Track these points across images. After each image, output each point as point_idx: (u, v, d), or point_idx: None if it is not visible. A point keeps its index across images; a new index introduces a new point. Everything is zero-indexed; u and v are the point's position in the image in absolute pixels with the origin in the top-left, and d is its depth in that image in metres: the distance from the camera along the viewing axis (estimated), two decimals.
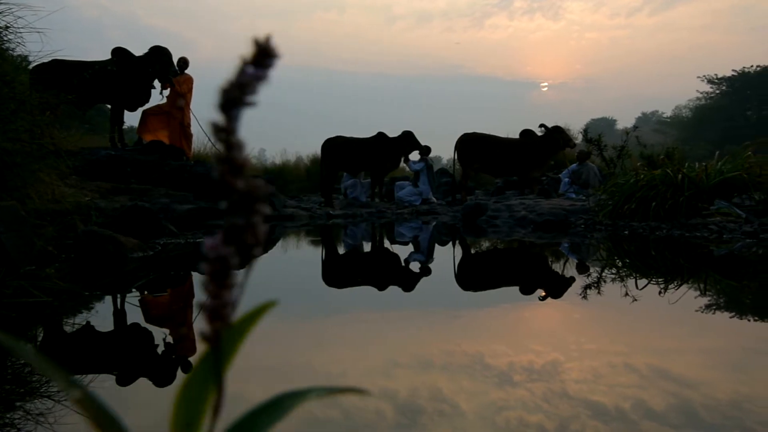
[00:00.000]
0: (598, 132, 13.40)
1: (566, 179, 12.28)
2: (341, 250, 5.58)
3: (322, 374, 1.70)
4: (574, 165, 12.29)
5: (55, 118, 5.81)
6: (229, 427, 0.41)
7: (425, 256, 4.90)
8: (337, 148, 11.84)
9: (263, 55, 0.35)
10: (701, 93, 41.54)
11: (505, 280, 3.71)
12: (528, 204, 8.96)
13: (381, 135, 11.88)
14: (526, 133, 11.91)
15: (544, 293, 3.04)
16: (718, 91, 40.38)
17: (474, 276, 3.93)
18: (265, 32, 0.35)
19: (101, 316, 2.52)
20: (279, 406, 0.41)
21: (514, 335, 2.23)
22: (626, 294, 2.93)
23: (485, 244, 5.88)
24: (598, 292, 3.01)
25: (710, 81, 40.24)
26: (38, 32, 5.03)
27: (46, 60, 7.74)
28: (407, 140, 11.82)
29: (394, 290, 3.20)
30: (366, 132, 12.12)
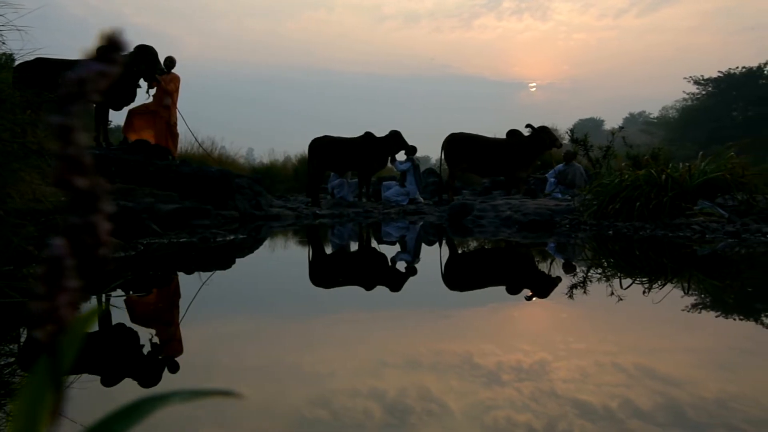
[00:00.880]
0: (585, 132, 13.46)
1: (552, 179, 12.32)
2: (328, 250, 5.57)
3: (310, 374, 1.69)
4: (560, 165, 12.34)
5: (37, 117, 5.76)
6: (85, 431, 0.40)
7: (412, 256, 4.90)
8: (324, 147, 11.82)
9: (110, 50, 0.33)
10: (688, 94, 41.80)
11: (490, 280, 3.71)
12: (513, 204, 8.99)
13: (368, 135, 11.87)
14: (513, 134, 11.96)
15: (530, 293, 3.06)
16: (704, 92, 40.63)
17: (460, 276, 3.94)
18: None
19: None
20: (138, 409, 0.40)
21: (502, 335, 2.24)
22: (612, 294, 2.95)
23: (471, 244, 5.89)
24: (584, 292, 3.03)
25: (696, 82, 40.48)
26: (19, 30, 4.98)
27: (30, 58, 7.67)
28: (394, 140, 11.82)
29: (381, 290, 3.20)
30: (354, 132, 12.13)
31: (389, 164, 12.57)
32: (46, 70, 8.70)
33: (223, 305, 2.84)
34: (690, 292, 3.11)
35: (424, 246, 5.81)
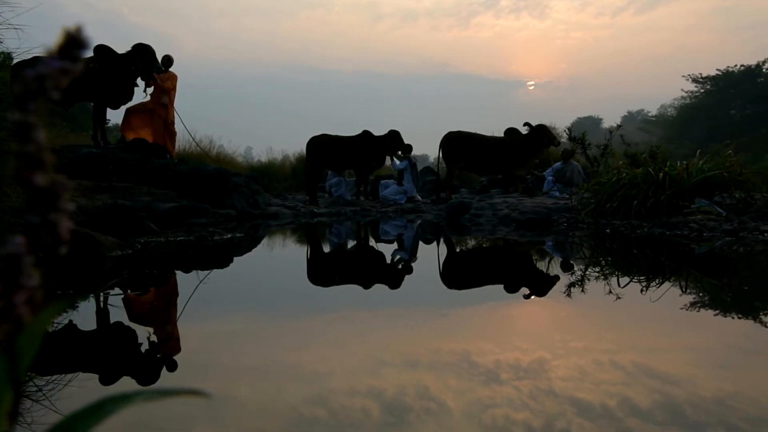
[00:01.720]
0: (583, 131, 13.46)
1: (550, 178, 12.32)
2: (325, 249, 5.57)
3: (308, 373, 1.69)
4: (558, 163, 12.34)
5: None
6: (48, 431, 0.39)
7: (410, 254, 4.90)
8: (322, 146, 11.81)
9: (71, 46, 0.33)
10: (686, 92, 41.84)
11: (487, 279, 3.71)
12: (511, 202, 8.99)
13: (366, 133, 11.86)
14: (511, 132, 11.95)
15: (528, 291, 3.06)
16: (702, 90, 40.67)
17: (457, 274, 3.94)
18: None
19: (71, 316, 2.49)
20: (101, 409, 0.40)
21: (500, 333, 2.24)
22: (610, 292, 2.95)
23: (468, 243, 5.89)
24: (582, 291, 3.03)
25: (695, 80, 40.52)
26: (16, 29, 4.97)
27: (28, 57, 7.66)
28: (393, 139, 11.81)
29: (379, 289, 3.20)
30: (352, 130, 12.11)
31: (388, 163, 12.57)
32: None
33: (220, 304, 2.83)
34: (687, 291, 3.11)
35: (420, 244, 5.81)
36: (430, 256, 4.85)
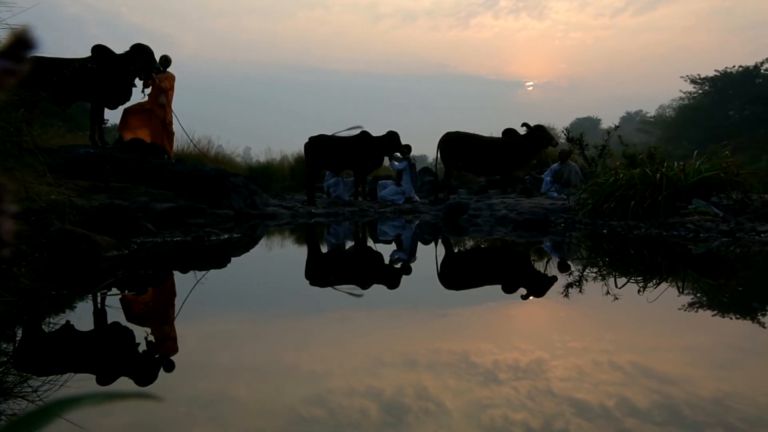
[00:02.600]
0: (581, 131, 13.47)
1: (548, 178, 12.33)
2: (323, 249, 5.57)
3: (306, 373, 1.69)
4: (555, 164, 12.35)
5: (31, 115, 5.75)
6: None
7: (408, 254, 4.90)
8: (320, 146, 11.81)
9: (18, 47, 0.32)
10: (684, 93, 41.86)
11: (483, 279, 3.71)
12: (509, 203, 9.00)
13: (364, 134, 11.87)
14: (509, 132, 11.95)
15: (525, 291, 3.05)
16: (700, 91, 40.70)
17: (455, 274, 3.94)
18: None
19: (66, 316, 2.48)
20: (47, 412, 0.40)
21: (498, 333, 2.24)
22: (608, 292, 2.96)
23: (465, 243, 5.89)
24: (579, 291, 3.03)
25: (693, 81, 40.55)
26: (13, 29, 4.95)
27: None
28: (391, 140, 11.82)
29: (378, 289, 3.20)
30: (351, 131, 12.10)
31: (386, 163, 12.56)
32: (42, 68, 8.68)
33: (216, 305, 2.83)
34: (685, 291, 3.11)
35: (418, 245, 5.81)
36: (428, 256, 4.85)
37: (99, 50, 9.32)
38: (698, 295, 3.04)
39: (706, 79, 39.96)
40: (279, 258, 4.76)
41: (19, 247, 3.59)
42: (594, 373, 1.66)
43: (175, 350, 1.99)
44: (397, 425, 1.32)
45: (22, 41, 0.33)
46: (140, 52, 9.55)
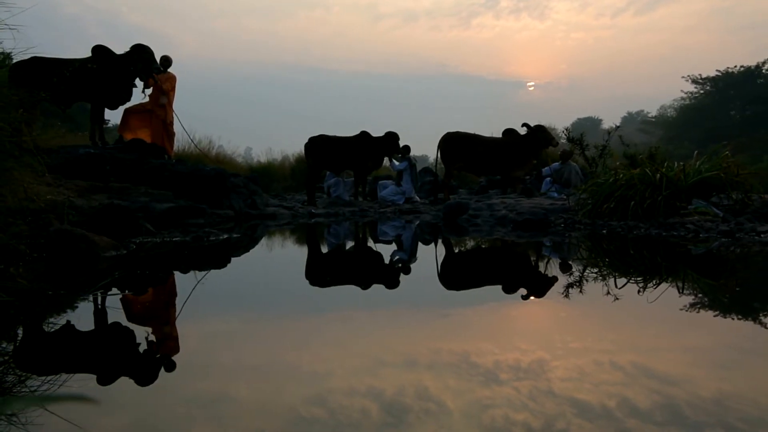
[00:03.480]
0: (581, 132, 13.47)
1: (548, 178, 12.33)
2: (323, 249, 5.56)
3: (306, 373, 1.68)
4: (555, 164, 12.35)
5: (31, 116, 5.75)
6: None
7: (408, 254, 4.90)
8: (320, 146, 11.81)
9: None
10: (685, 93, 41.87)
11: (485, 279, 3.69)
12: (509, 203, 9.00)
13: (364, 134, 11.87)
14: (509, 132, 11.95)
15: (525, 291, 3.05)
16: (702, 91, 40.71)
17: (455, 274, 3.93)
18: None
19: (65, 316, 2.48)
20: None
21: (499, 333, 2.23)
22: (608, 293, 2.95)
23: (465, 243, 5.88)
24: (580, 291, 3.03)
25: (694, 81, 40.56)
26: (12, 29, 4.96)
27: (26, 57, 7.68)
28: (390, 141, 11.82)
29: (378, 289, 3.19)
30: (351, 131, 12.12)
31: (386, 164, 12.57)
32: (42, 69, 8.69)
33: (215, 304, 2.82)
34: (685, 292, 3.11)
35: (419, 245, 5.80)
36: (428, 256, 4.84)
37: (99, 50, 9.32)
38: (698, 295, 3.03)
39: (707, 79, 39.97)
40: (279, 258, 4.76)
41: (17, 247, 3.60)
42: (595, 374, 1.66)
43: (174, 350, 1.98)
44: (397, 425, 1.32)
45: None
46: (141, 52, 9.55)
